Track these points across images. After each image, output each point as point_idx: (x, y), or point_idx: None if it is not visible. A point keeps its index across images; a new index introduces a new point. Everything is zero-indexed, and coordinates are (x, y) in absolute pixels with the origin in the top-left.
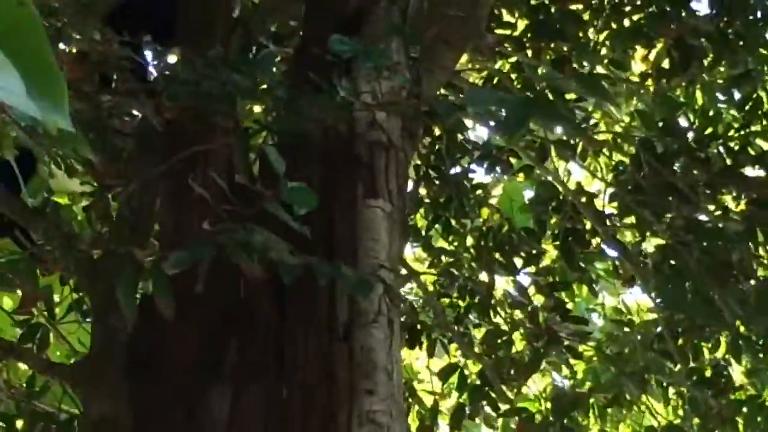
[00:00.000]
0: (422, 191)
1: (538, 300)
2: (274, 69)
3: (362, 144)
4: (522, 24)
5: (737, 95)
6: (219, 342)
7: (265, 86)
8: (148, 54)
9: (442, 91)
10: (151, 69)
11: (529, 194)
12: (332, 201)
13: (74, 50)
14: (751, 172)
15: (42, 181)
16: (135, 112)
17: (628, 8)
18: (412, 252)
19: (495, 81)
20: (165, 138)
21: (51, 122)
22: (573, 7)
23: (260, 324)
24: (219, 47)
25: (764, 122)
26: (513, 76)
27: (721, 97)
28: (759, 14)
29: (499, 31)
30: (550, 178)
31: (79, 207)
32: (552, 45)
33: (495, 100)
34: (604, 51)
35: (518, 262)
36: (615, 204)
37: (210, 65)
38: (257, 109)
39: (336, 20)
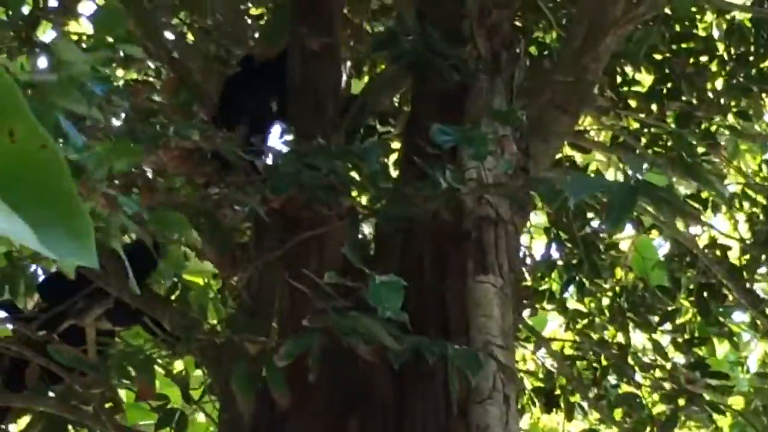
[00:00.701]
0: (554, 254)
1: (677, 357)
2: (378, 157)
3: (471, 220)
4: (646, 79)
5: None
6: (339, 423)
7: (368, 175)
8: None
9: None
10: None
11: (662, 251)
12: (443, 278)
13: (180, 145)
14: None
15: (173, 265)
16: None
17: (752, 57)
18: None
19: (620, 139)
20: (280, 223)
21: (70, 262)
22: (698, 59)
23: (379, 403)
24: (322, 138)
25: None
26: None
27: None
28: None
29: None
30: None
31: (215, 288)
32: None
33: (598, 187)
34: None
35: (654, 319)
36: (748, 256)
37: (312, 155)
38: None
39: (440, 96)
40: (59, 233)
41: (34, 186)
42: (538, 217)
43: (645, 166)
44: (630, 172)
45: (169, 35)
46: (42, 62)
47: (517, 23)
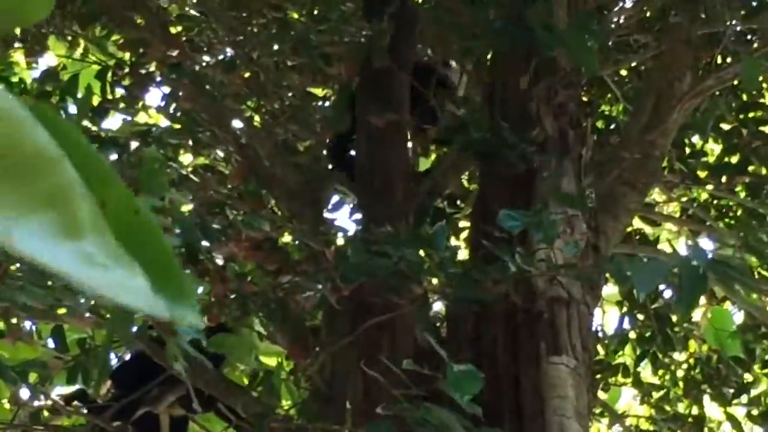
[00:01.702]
0: (626, 326)
1: (753, 429)
2: (446, 242)
3: (543, 301)
4: (715, 149)
5: None
6: None
7: (437, 261)
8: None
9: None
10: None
11: (736, 321)
12: (517, 361)
13: (250, 236)
14: None
15: (249, 349)
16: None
17: None
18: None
19: (690, 211)
20: (351, 309)
21: (180, 318)
22: (767, 129)
23: None
24: (390, 222)
25: None
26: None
27: None
28: None
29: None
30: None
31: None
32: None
33: (666, 275)
34: None
35: (729, 392)
36: None
37: (382, 242)
38: None
39: (508, 178)
40: (164, 296)
41: (133, 251)
42: (610, 289)
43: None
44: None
45: (237, 123)
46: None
47: (583, 98)
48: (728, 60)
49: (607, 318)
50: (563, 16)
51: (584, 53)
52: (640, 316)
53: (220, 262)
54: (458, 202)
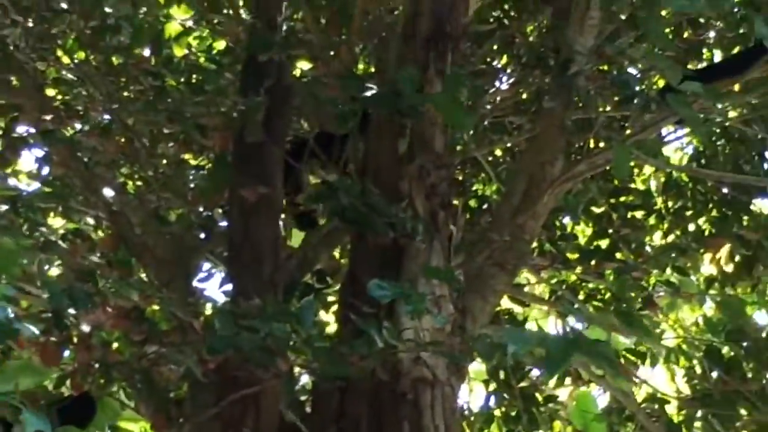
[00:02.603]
0: (492, 404)
1: None
2: (314, 318)
3: (407, 381)
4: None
5: None
6: None
7: (304, 336)
8: None
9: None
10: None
11: (601, 403)
12: None
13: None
14: None
15: (108, 415)
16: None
17: (690, 213)
18: None
19: (558, 293)
20: (216, 381)
21: None
22: (636, 213)
23: None
24: (259, 295)
25: None
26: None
27: None
28: None
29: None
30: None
31: None
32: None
33: (534, 341)
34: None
35: None
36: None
37: (249, 316)
38: None
39: (378, 254)
40: None
41: None
42: (477, 366)
43: (583, 320)
44: (568, 326)
45: (108, 191)
46: None
47: (457, 176)
48: (600, 145)
49: (473, 396)
50: (437, 86)
51: (455, 113)
52: (507, 396)
53: (86, 329)
54: (327, 278)
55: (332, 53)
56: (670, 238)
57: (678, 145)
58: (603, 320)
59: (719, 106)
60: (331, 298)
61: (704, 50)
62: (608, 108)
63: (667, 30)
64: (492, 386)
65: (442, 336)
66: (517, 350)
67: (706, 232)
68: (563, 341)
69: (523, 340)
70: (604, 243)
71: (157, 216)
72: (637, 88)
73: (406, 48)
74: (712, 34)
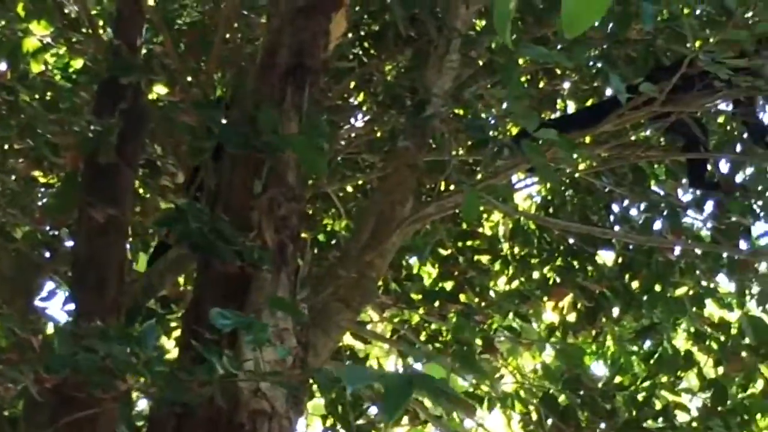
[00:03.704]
0: None
1: None
2: (156, 342)
3: (245, 412)
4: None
5: (645, 345)
6: None
7: (145, 359)
8: None
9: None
10: None
11: None
12: None
13: None
14: (654, 424)
15: None
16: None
17: (535, 260)
18: None
19: (401, 333)
20: (53, 401)
21: None
22: (482, 258)
23: None
24: (101, 318)
25: (669, 375)
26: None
27: (629, 348)
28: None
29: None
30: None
31: None
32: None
33: (374, 377)
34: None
35: None
36: None
37: (90, 337)
38: None
39: (224, 283)
40: None
41: None
42: (316, 401)
43: (423, 359)
44: (408, 364)
45: None
46: None
47: (307, 210)
48: (451, 188)
49: (311, 431)
50: (295, 127)
51: (312, 157)
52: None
53: None
54: (172, 305)
55: (190, 79)
56: (515, 284)
57: (527, 193)
58: (442, 361)
59: (574, 156)
60: (173, 325)
61: (558, 101)
62: (461, 151)
63: (523, 79)
64: (329, 422)
65: (282, 368)
66: (356, 387)
67: (551, 281)
68: (402, 378)
69: (363, 375)
70: (449, 285)
71: (2, 232)
72: (491, 134)
73: (264, 79)
74: (566, 85)
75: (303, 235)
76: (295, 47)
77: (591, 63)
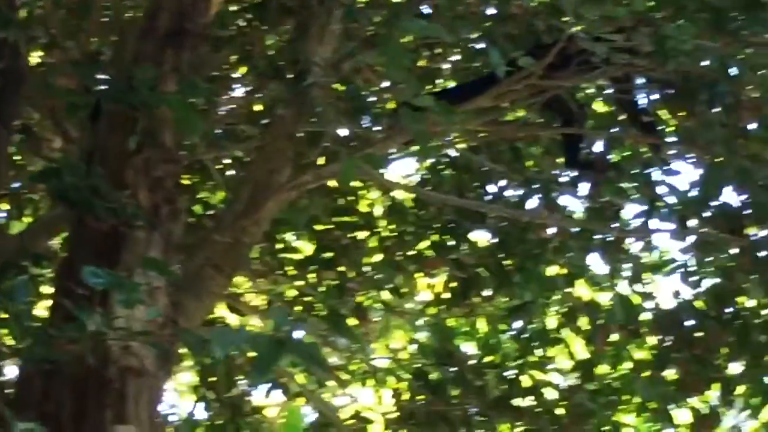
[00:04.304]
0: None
1: None
2: (26, 297)
3: (115, 369)
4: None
5: (517, 324)
6: None
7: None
8: None
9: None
10: None
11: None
12: (81, 427)
13: None
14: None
15: None
16: None
17: (409, 237)
18: None
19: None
20: None
21: None
22: (358, 234)
23: None
24: None
25: (540, 353)
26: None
27: (501, 326)
28: (535, 250)
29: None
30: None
31: None
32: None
33: (244, 340)
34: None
35: None
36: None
37: None
38: None
39: (97, 242)
40: None
41: None
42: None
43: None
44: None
45: None
46: None
47: (186, 181)
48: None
49: (184, 404)
50: (173, 88)
51: (188, 115)
52: (217, 404)
53: None
54: (44, 262)
55: (70, 41)
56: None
57: (405, 173)
58: (315, 328)
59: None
60: (45, 287)
61: (439, 80)
62: (340, 121)
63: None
64: (201, 393)
65: (153, 327)
66: (226, 351)
67: (425, 256)
68: (273, 340)
69: (232, 338)
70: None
71: None
72: (370, 101)
73: (143, 42)
74: (447, 66)
75: (179, 199)
76: (175, 11)
77: (472, 43)
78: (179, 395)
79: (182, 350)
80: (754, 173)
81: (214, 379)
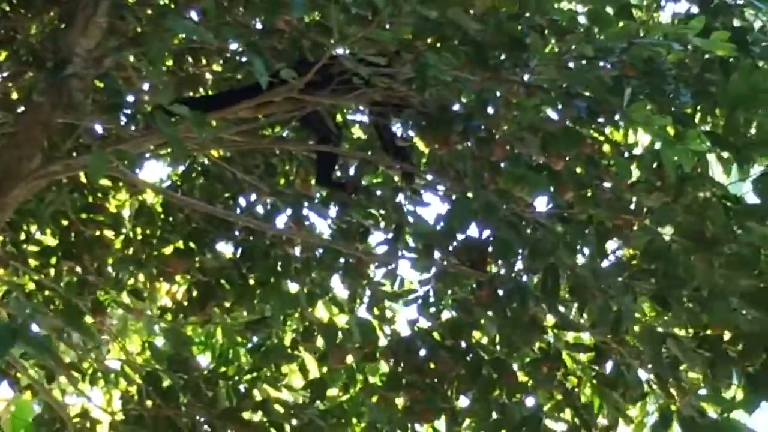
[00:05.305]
0: None
1: None
2: None
3: None
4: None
5: (254, 338)
6: None
7: None
8: None
9: None
10: None
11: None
12: None
13: None
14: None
15: None
16: None
17: (155, 240)
18: None
19: (14, 295)
20: None
21: None
22: (104, 231)
23: None
24: None
25: (274, 369)
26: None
27: (237, 339)
28: (279, 265)
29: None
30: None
31: None
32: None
33: None
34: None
35: None
36: None
37: None
38: None
39: None
40: None
41: None
42: None
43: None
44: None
45: None
46: None
47: None
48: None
49: None
50: None
51: None
52: None
53: None
54: None
55: None
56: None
57: (158, 178)
58: (51, 322)
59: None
60: None
61: (201, 88)
62: (96, 115)
63: (170, 62)
64: None
65: None
66: None
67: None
68: (6, 327)
69: None
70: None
71: None
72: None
73: None
74: (209, 76)
75: None
76: None
77: (237, 56)
78: None
79: None
80: (499, 209)
81: None
